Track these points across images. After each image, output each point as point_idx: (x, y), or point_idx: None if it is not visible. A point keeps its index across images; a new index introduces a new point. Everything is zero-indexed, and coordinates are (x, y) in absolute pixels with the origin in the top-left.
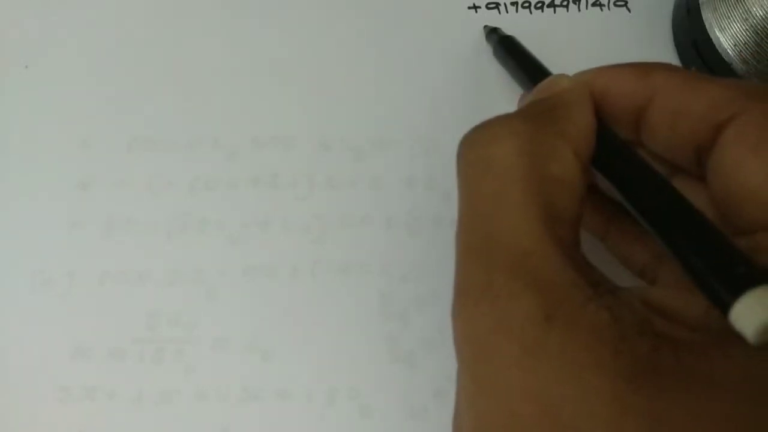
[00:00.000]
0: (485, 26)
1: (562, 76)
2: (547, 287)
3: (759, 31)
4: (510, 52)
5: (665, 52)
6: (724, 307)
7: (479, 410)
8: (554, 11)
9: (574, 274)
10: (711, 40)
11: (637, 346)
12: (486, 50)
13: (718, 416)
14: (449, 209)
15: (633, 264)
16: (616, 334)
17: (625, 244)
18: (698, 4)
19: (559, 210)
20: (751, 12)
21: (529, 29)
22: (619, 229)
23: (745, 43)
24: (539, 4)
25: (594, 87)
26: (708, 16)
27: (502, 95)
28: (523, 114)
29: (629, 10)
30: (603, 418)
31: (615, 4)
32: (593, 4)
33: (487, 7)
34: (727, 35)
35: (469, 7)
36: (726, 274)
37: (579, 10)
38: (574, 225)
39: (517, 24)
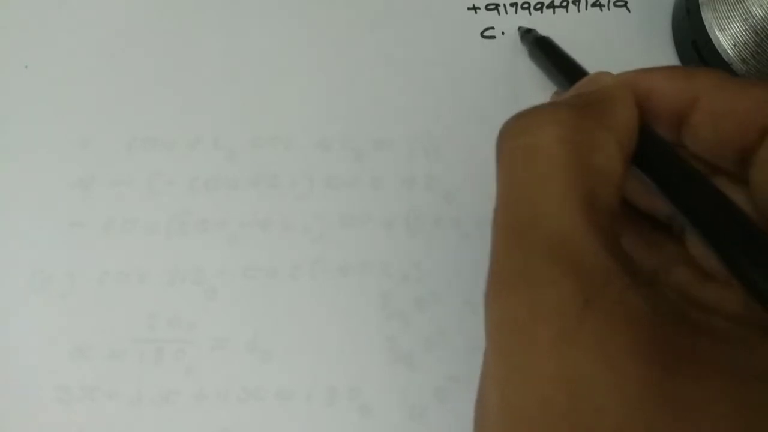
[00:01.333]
0: (519, 27)
1: (604, 73)
2: (586, 273)
3: (759, 31)
4: (546, 52)
5: (665, 52)
6: (766, 301)
7: (508, 394)
8: (554, 12)
9: (613, 262)
10: (711, 40)
11: (674, 335)
12: (485, 50)
13: (759, 405)
14: (449, 209)
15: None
16: (652, 323)
17: (639, 250)
18: (698, 4)
19: (601, 200)
20: (750, 12)
21: None
22: (634, 232)
23: (745, 43)
24: (539, 5)
25: (637, 87)
26: (708, 16)
27: (503, 95)
28: (567, 104)
29: (629, 11)
30: (637, 404)
31: (615, 5)
32: (593, 5)
33: (487, 8)
34: (727, 35)
35: (469, 8)
36: None
37: (579, 11)
38: (614, 216)
39: (516, 25)
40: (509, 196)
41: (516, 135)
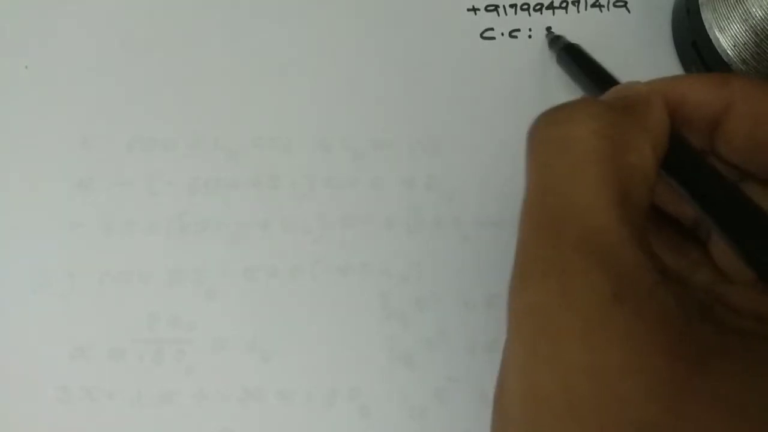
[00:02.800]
0: (548, 33)
1: (636, 82)
2: (617, 266)
3: (758, 32)
4: (576, 59)
5: (665, 53)
6: None
7: (533, 382)
8: (553, 13)
9: (644, 258)
10: (711, 40)
11: (703, 332)
12: (485, 51)
13: None
14: (449, 209)
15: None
16: (681, 319)
17: (663, 253)
18: (698, 4)
19: (633, 197)
20: (750, 12)
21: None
22: (659, 236)
23: (745, 43)
24: (538, 6)
25: (670, 95)
26: (708, 17)
27: (503, 95)
28: (603, 102)
29: (629, 11)
30: (663, 398)
31: (614, 5)
32: (593, 5)
33: (486, 9)
34: (727, 36)
35: (468, 9)
36: None
37: (578, 12)
38: (645, 214)
39: (515, 26)
40: (541, 186)
41: (551, 126)
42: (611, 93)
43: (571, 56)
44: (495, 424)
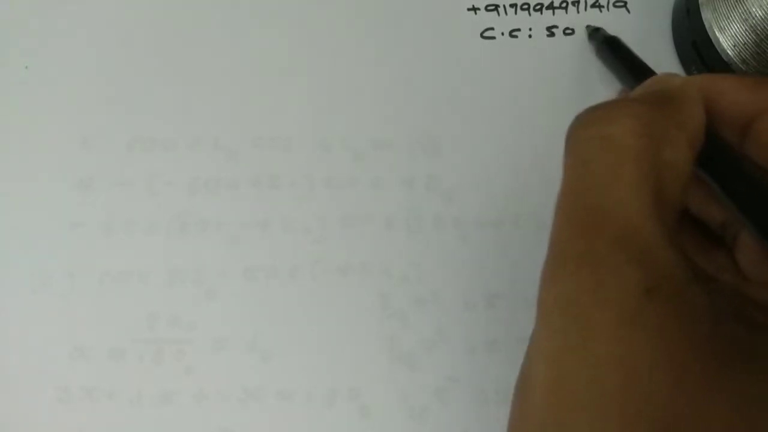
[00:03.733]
0: (587, 26)
1: (674, 74)
2: (651, 262)
3: (758, 32)
4: (615, 51)
5: (665, 53)
6: None
7: (560, 371)
8: (553, 13)
9: (678, 256)
10: (711, 40)
11: (733, 331)
12: (484, 50)
13: None
14: (449, 209)
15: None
16: (712, 318)
17: (697, 255)
18: (698, 4)
19: (668, 195)
20: (750, 12)
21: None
22: (686, 236)
23: (745, 43)
24: (538, 6)
25: (706, 92)
26: (708, 17)
27: (503, 95)
28: (640, 99)
29: (629, 11)
30: (690, 395)
31: (614, 5)
32: (593, 6)
33: (487, 9)
34: (727, 35)
35: (469, 9)
36: None
37: (578, 12)
38: (677, 212)
39: (516, 26)
40: (579, 181)
41: (591, 125)
42: (647, 85)
43: (610, 49)
44: (515, 412)
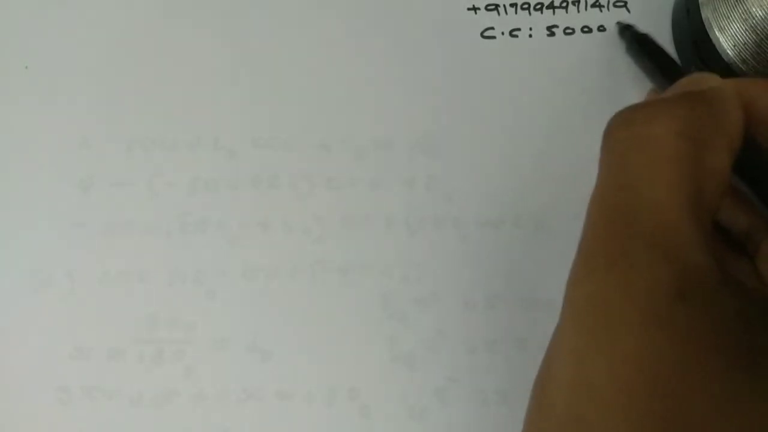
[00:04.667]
0: (618, 23)
1: (709, 75)
2: (684, 264)
3: (758, 32)
4: (646, 49)
5: None
6: None
7: (585, 370)
8: (553, 13)
9: (711, 260)
10: (711, 40)
11: (762, 337)
12: (484, 50)
13: None
14: (449, 209)
15: None
16: (741, 323)
17: (730, 262)
18: (698, 4)
19: (705, 198)
20: (750, 12)
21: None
22: (722, 247)
23: (745, 43)
24: (538, 6)
25: (741, 94)
26: (708, 17)
27: (503, 94)
28: (680, 101)
29: (629, 11)
30: (715, 398)
31: (615, 5)
32: (593, 5)
33: (487, 9)
34: (727, 35)
35: (469, 9)
36: None
37: (578, 12)
38: (713, 216)
39: (516, 25)
40: (616, 180)
41: (631, 124)
42: (680, 86)
43: (641, 46)
44: (533, 409)
